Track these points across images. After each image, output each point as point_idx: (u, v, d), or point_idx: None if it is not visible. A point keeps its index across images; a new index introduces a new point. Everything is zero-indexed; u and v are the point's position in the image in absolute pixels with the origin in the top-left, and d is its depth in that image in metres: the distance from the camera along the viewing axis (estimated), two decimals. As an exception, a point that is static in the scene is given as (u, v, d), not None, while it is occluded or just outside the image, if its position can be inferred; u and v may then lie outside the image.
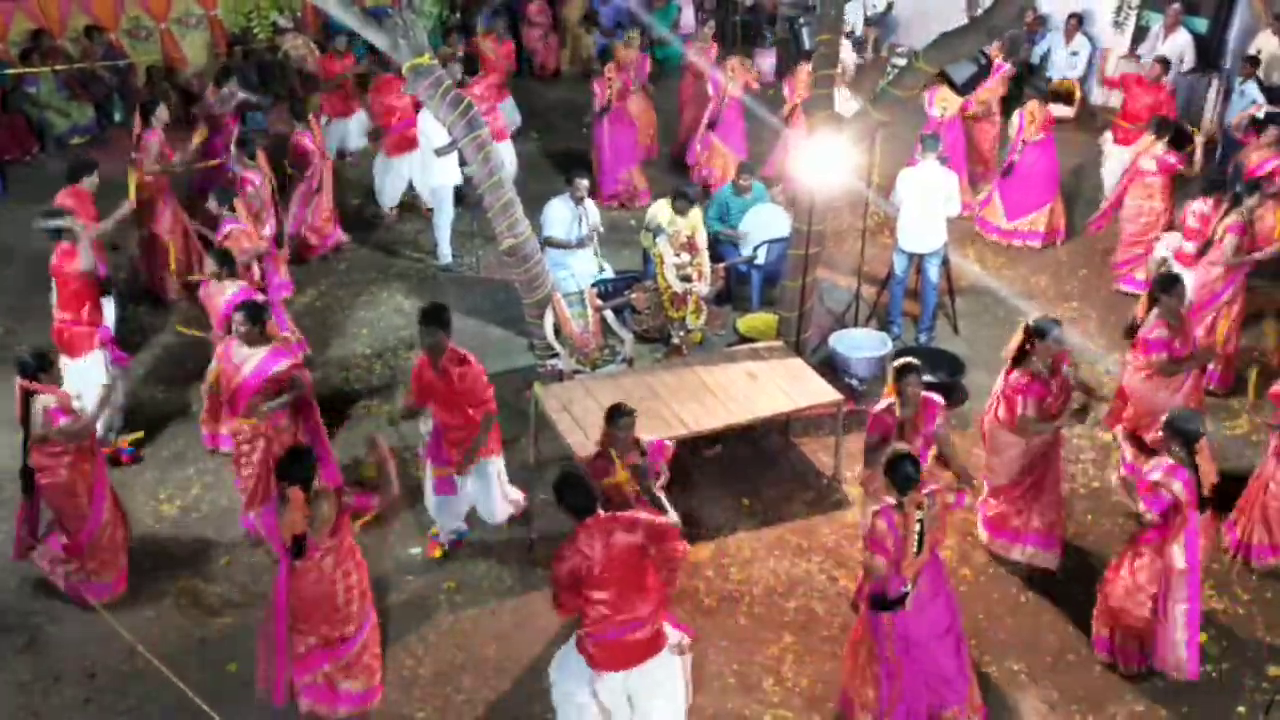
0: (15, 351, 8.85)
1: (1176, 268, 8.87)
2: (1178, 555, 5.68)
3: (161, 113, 9.87)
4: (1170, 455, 5.65)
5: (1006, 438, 6.65)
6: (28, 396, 6.20)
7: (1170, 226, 9.56)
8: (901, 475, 5.23)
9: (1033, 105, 10.47)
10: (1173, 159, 9.51)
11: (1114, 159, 10.95)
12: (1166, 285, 7.03)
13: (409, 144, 10.75)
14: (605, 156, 11.56)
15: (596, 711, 5.31)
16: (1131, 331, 7.22)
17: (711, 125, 11.55)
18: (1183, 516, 5.64)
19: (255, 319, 6.61)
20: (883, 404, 6.32)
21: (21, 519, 6.48)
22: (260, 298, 7.45)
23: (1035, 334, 6.49)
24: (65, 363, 7.23)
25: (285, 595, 5.48)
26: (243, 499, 6.93)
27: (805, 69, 11.42)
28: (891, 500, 5.28)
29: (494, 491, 6.89)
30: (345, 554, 5.55)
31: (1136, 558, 5.85)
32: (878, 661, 5.47)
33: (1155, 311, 7.03)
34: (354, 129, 12.62)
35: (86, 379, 7.31)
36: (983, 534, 7.01)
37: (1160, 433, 5.77)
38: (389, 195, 11.31)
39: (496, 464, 6.88)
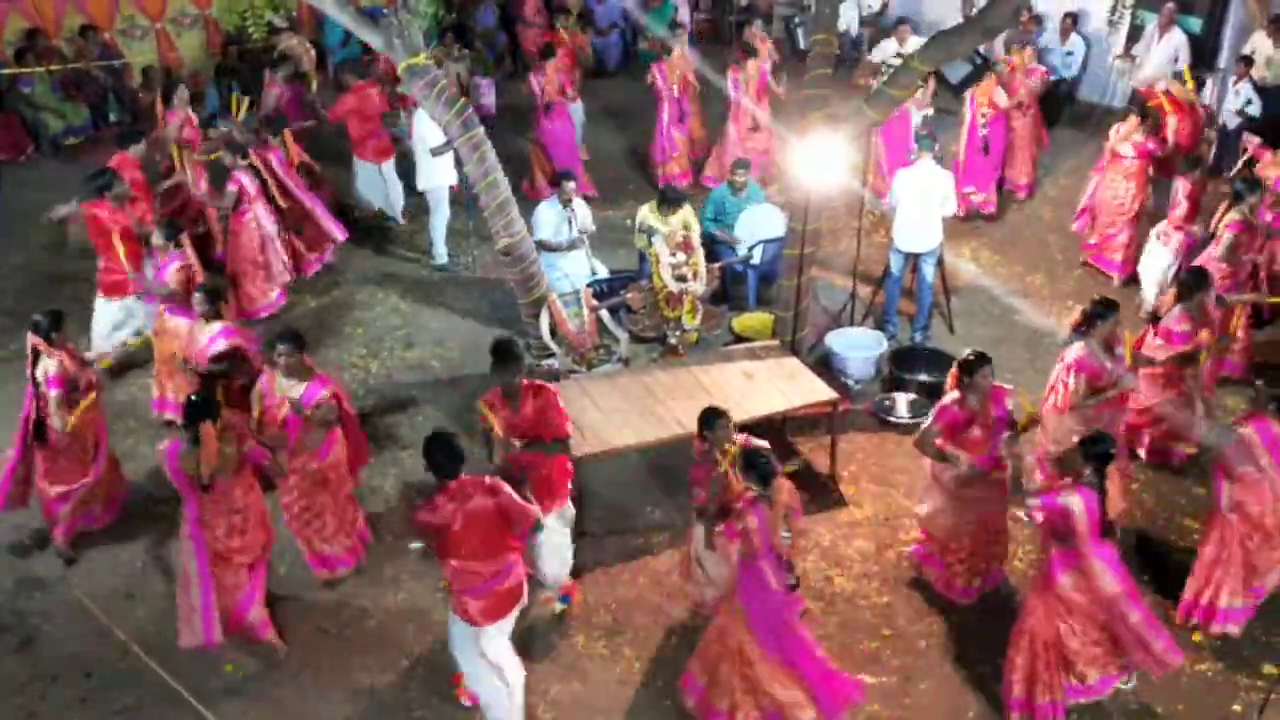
0: (9, 349, 8.91)
1: (1158, 246, 9.09)
2: (1107, 581, 5.50)
3: (182, 94, 10.10)
4: (1080, 478, 5.50)
5: (1072, 425, 6.66)
6: (36, 354, 6.67)
7: (1142, 211, 9.82)
8: (763, 468, 5.37)
9: (988, 85, 10.64)
10: (1151, 144, 9.70)
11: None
12: (1198, 280, 7.12)
13: (389, 149, 10.82)
14: (553, 153, 11.63)
15: (491, 671, 5.55)
16: (1156, 318, 7.29)
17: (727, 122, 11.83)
18: (1076, 546, 5.45)
19: (301, 347, 6.45)
20: (946, 398, 6.28)
21: (13, 469, 6.82)
22: (240, 341, 7.20)
23: (1094, 316, 6.61)
24: (101, 302, 8.49)
25: (201, 533, 5.86)
26: (301, 545, 6.71)
27: (753, 63, 11.71)
28: (755, 494, 5.39)
29: (550, 544, 6.27)
30: (247, 489, 6.06)
31: (1060, 606, 5.60)
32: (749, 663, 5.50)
33: (1182, 305, 7.10)
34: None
35: (121, 318, 8.50)
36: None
37: (1067, 453, 5.67)
38: (395, 204, 11.22)
39: (567, 514, 6.45)
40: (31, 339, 6.68)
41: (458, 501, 5.21)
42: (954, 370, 6.32)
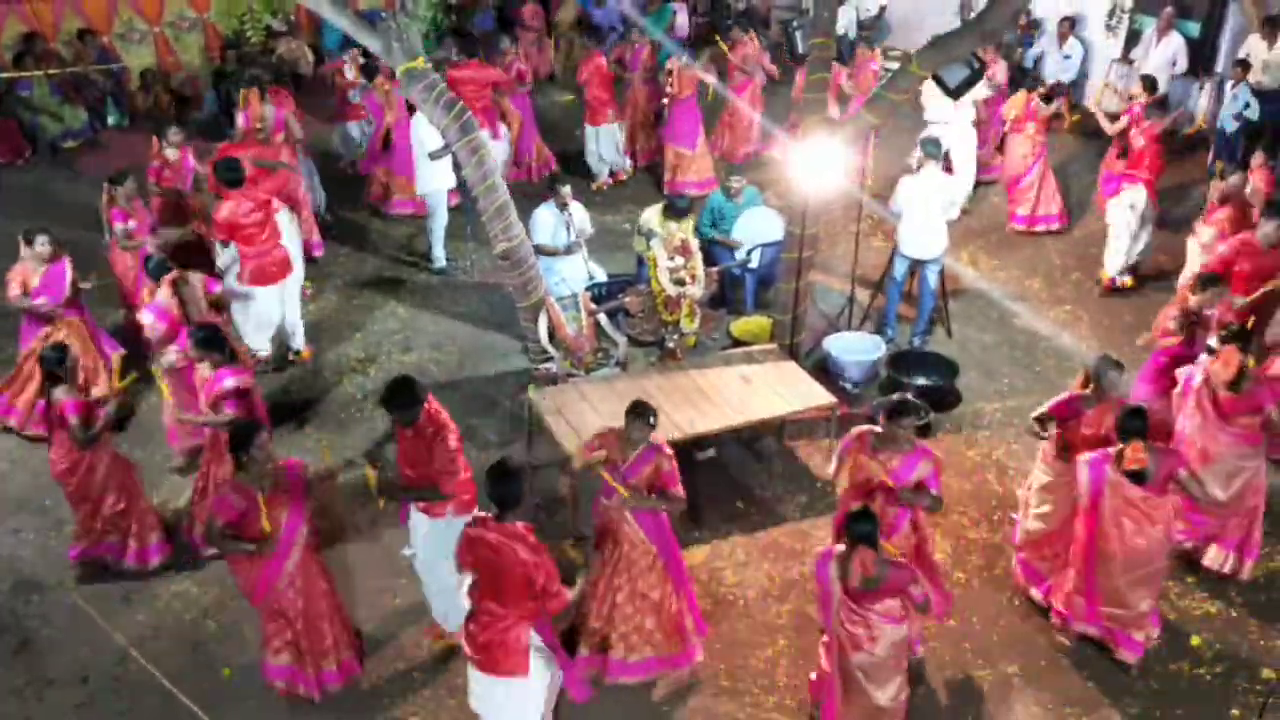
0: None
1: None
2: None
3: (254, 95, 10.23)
4: (904, 445, 5.77)
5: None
6: (178, 285, 7.48)
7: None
8: (641, 414, 5.76)
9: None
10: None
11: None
12: None
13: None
14: (525, 128, 12.34)
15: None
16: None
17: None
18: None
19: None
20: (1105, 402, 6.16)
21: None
22: (246, 379, 6.70)
23: (1206, 282, 6.97)
24: (250, 291, 8.47)
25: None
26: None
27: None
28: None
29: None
30: None
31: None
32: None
33: None
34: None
35: (270, 307, 8.61)
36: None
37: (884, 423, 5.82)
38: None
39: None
40: (167, 280, 7.44)
41: (434, 424, 5.74)
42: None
